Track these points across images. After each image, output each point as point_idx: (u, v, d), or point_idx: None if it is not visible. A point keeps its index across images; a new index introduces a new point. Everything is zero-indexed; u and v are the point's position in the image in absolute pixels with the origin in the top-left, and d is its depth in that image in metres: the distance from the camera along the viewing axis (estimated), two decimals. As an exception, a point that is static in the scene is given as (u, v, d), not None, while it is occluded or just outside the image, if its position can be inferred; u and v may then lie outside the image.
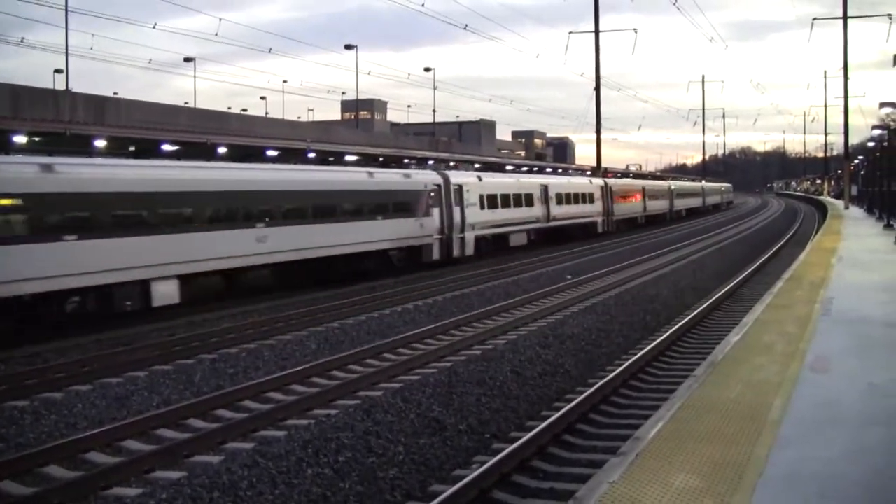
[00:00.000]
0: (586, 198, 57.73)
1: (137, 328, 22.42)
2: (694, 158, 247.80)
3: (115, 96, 56.51)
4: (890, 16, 72.28)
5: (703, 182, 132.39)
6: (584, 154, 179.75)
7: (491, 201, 42.99)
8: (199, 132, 42.54)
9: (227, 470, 11.16)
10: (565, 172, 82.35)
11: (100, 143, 33.73)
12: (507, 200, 45.12)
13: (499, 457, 11.26)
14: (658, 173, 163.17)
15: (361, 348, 19.40)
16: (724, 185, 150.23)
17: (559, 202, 52.40)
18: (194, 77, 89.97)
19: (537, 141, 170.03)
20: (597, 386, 15.13)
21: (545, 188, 50.75)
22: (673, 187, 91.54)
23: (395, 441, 12.56)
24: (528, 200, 48.12)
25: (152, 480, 11.23)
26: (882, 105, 33.38)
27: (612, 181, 66.85)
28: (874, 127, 49.67)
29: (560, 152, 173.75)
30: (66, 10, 55.06)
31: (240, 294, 27.41)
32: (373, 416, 13.58)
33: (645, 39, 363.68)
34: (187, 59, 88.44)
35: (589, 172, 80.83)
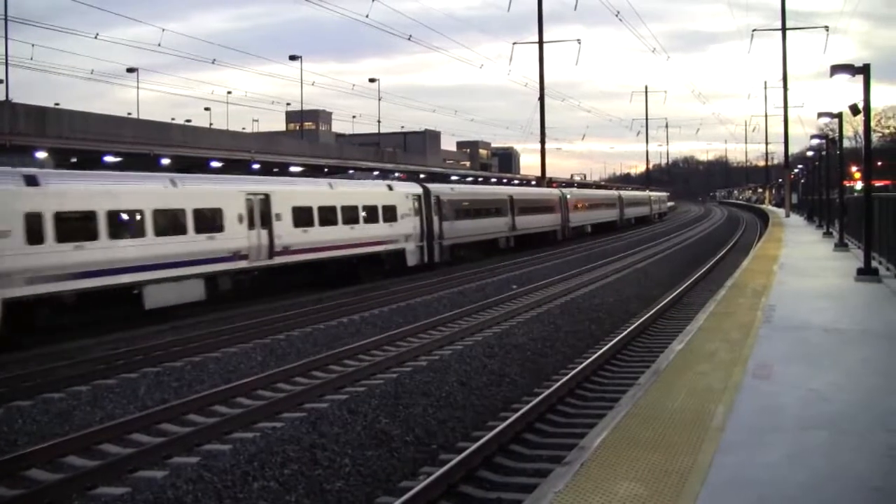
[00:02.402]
0: (374, 213, 38.01)
1: (80, 342, 22.14)
2: (638, 168, 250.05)
3: (57, 107, 55.75)
4: (827, 28, 74.03)
5: (622, 190, 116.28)
6: (529, 164, 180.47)
7: (75, 227, 23.66)
8: (142, 143, 42.19)
9: (171, 485, 11.05)
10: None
11: (41, 155, 33.34)
12: (133, 223, 25.62)
13: (445, 468, 11.27)
14: (603, 182, 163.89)
15: (307, 360, 19.32)
16: (657, 194, 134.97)
17: (301, 222, 32.59)
18: (137, 88, 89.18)
19: (482, 151, 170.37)
20: (543, 395, 15.19)
21: (264, 200, 30.89)
22: (568, 196, 71.07)
23: (341, 453, 12.52)
24: (207, 221, 28.13)
25: (95, 497, 11.10)
26: (820, 115, 33.76)
27: (440, 187, 47.61)
28: (813, 136, 50.52)
29: (505, 162, 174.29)
30: (6, 20, 54.34)
31: (184, 307, 27.08)
32: (319, 428, 13.52)
33: (588, 50, 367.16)
34: (130, 70, 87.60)
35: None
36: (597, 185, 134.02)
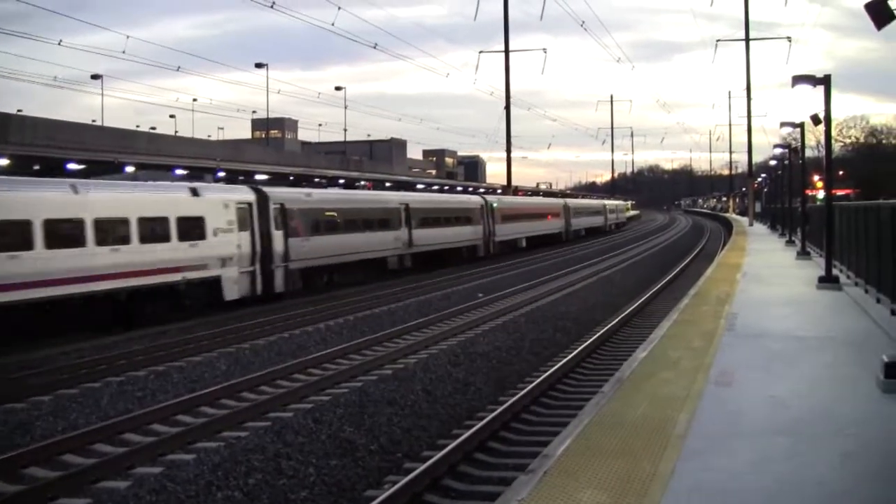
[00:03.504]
0: (162, 229, 27.93)
1: (42, 351, 21.93)
2: (603, 177, 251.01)
3: (20, 113, 55.19)
4: (790, 38, 74.83)
5: (569, 198, 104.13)
6: (495, 172, 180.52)
7: None
8: (106, 150, 41.94)
9: (134, 496, 10.99)
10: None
11: (2, 162, 33.07)
12: None
13: (410, 476, 11.26)
14: (569, 191, 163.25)
15: (272, 369, 19.25)
16: (613, 203, 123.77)
17: (10, 244, 22.81)
18: (102, 94, 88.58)
19: (449, 159, 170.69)
20: (507, 404, 15.22)
21: None
22: (495, 204, 60.49)
23: (306, 462, 12.49)
24: None
25: (57, 507, 11.01)
26: (783, 124, 34.12)
27: (286, 193, 36.93)
28: (776, 146, 50.81)
29: (471, 171, 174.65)
30: (-33, 27, 53.83)
31: (148, 315, 26.91)
32: (283, 437, 13.48)
33: (554, 59, 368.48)
34: (94, 77, 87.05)
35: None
36: (536, 192, 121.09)
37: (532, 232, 68.93)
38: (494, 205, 59.70)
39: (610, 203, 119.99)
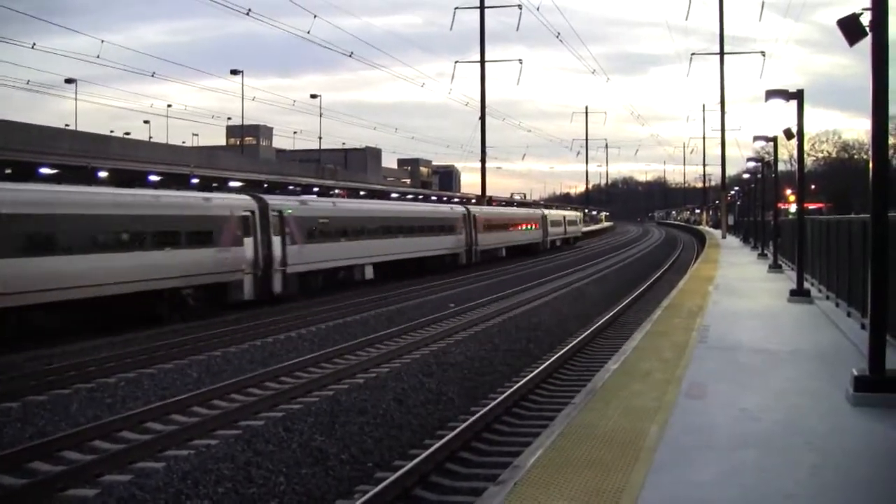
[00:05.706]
0: None
1: (10, 357, 21.75)
2: (578, 188, 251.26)
3: (-8, 118, 54.81)
4: (763, 53, 75.30)
5: (478, 204, 70.79)
6: (469, 182, 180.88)
7: None
8: (79, 156, 41.69)
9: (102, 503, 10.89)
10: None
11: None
12: None
13: (381, 486, 11.23)
14: (533, 200, 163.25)
15: (243, 377, 19.17)
16: (558, 213, 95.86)
17: None
18: (75, 99, 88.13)
19: (423, 169, 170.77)
20: (479, 414, 15.21)
21: None
22: (290, 211, 36.16)
23: (276, 471, 12.42)
24: None
25: (23, 515, 10.90)
26: (756, 138, 34.29)
27: None
28: (749, 159, 51.17)
29: (446, 180, 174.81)
30: (-61, 29, 53.37)
31: (120, 320, 26.76)
32: (254, 445, 13.41)
33: (530, 70, 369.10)
34: (68, 81, 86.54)
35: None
36: (507, 203, 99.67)
37: (394, 254, 46.40)
38: (288, 212, 36.34)
39: (554, 213, 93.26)
